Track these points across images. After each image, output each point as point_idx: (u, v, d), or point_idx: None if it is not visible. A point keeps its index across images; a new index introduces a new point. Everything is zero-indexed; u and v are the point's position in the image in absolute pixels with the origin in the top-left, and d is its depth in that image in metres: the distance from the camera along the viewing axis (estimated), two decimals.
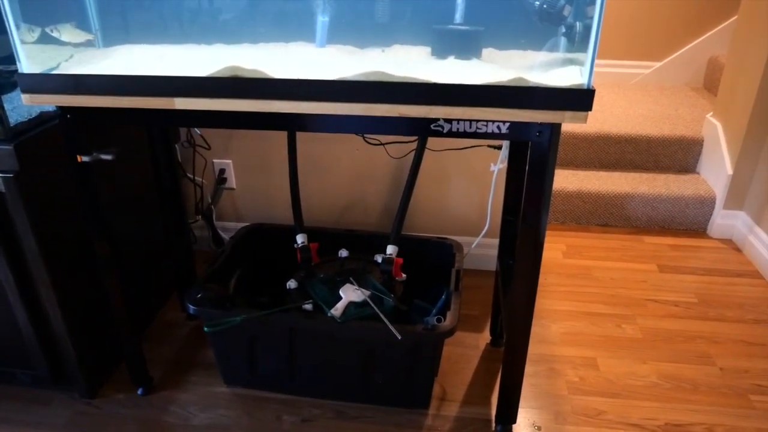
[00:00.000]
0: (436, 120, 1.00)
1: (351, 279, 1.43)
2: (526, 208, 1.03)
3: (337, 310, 1.30)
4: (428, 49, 1.12)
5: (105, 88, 1.02)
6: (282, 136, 1.83)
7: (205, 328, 1.30)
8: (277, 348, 1.38)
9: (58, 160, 1.24)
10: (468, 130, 1.00)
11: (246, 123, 1.07)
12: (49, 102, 1.06)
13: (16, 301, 1.29)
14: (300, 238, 1.51)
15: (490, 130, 0.99)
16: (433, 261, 1.60)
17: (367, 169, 1.85)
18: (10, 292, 1.27)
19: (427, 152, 1.77)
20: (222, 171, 1.91)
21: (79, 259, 1.36)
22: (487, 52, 1.12)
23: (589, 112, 0.91)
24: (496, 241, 1.86)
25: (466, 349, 1.60)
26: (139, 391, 1.47)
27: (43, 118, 1.24)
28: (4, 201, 1.17)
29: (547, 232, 2.20)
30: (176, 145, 1.77)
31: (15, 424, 1.38)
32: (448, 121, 0.98)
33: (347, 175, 1.87)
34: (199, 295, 1.33)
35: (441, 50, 1.10)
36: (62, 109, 1.10)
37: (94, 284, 1.41)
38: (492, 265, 1.92)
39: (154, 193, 1.64)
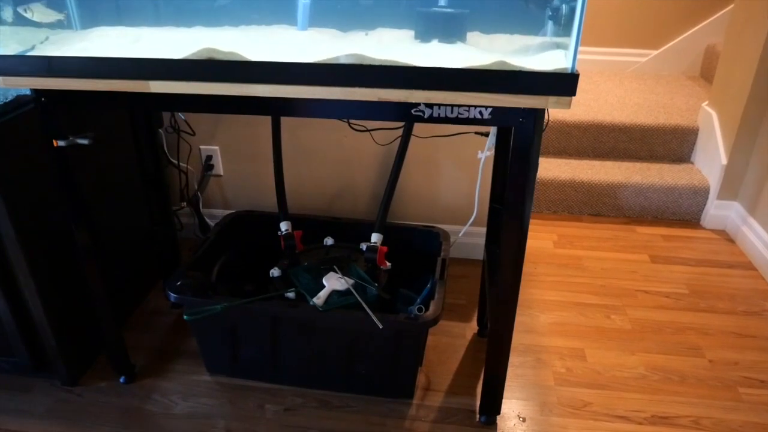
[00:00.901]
0: (416, 105, 0.97)
1: (335, 267, 1.41)
2: (510, 195, 1.01)
3: (320, 298, 1.28)
4: (412, 33, 1.10)
5: (79, 71, 0.99)
6: (269, 121, 1.80)
7: (185, 317, 1.28)
8: (260, 337, 1.36)
9: (36, 144, 1.22)
10: (450, 115, 0.98)
11: (226, 107, 1.04)
12: (22, 85, 1.03)
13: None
14: (284, 226, 1.48)
15: (472, 116, 0.97)
16: (419, 249, 1.58)
17: (355, 156, 1.82)
18: None
19: (415, 139, 1.74)
20: (209, 157, 1.88)
21: (60, 246, 1.33)
22: (473, 35, 1.10)
23: (574, 97, 0.89)
24: (483, 230, 1.84)
25: (453, 338, 1.58)
26: (121, 380, 1.45)
27: (20, 102, 1.21)
28: None
29: (539, 222, 2.18)
30: (161, 131, 1.74)
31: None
32: (429, 105, 0.96)
33: (335, 163, 1.84)
34: (179, 283, 1.31)
35: (425, 33, 1.07)
36: (37, 92, 1.07)
37: (75, 272, 1.39)
38: (480, 254, 1.90)
39: (138, 180, 1.62)
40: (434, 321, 1.22)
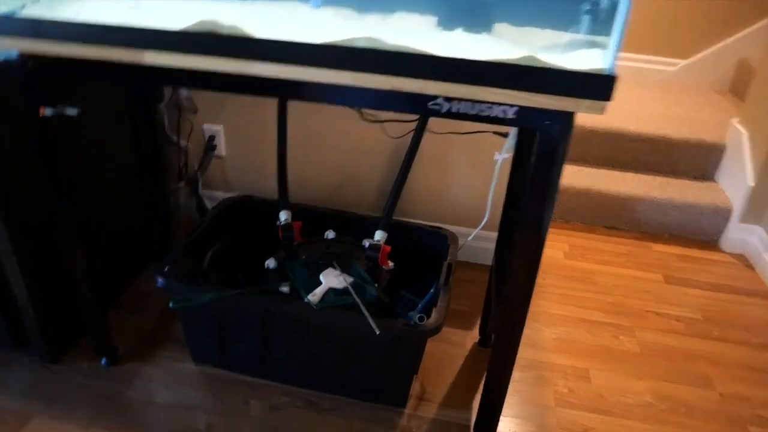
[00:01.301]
0: (434, 97, 0.89)
1: (334, 263, 1.33)
2: (529, 204, 0.93)
3: (315, 296, 1.21)
4: (435, 19, 1.01)
5: (67, 36, 0.92)
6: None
7: (171, 304, 1.20)
8: (250, 330, 1.29)
9: (23, 113, 1.14)
10: (469, 111, 0.90)
11: (227, 85, 0.97)
12: (6, 46, 0.96)
13: None
14: (283, 215, 1.40)
15: (494, 114, 0.88)
16: (425, 250, 1.50)
17: (364, 147, 1.74)
18: None
19: (428, 135, 1.66)
20: (212, 137, 1.80)
21: (45, 220, 1.26)
22: (501, 27, 1.01)
23: (608, 104, 0.80)
24: (494, 235, 1.75)
25: (452, 346, 1.51)
26: (103, 362, 1.39)
27: (6, 66, 1.13)
28: None
29: (550, 230, 2.09)
30: (161, 106, 1.66)
31: None
32: (448, 99, 0.87)
33: (343, 152, 1.76)
34: (167, 269, 1.24)
35: (449, 21, 0.99)
36: (22, 57, 1.00)
37: (61, 247, 1.32)
38: (488, 259, 1.82)
39: (133, 156, 1.54)
40: (435, 330, 1.14)
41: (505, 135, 1.42)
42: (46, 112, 1.02)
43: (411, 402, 1.34)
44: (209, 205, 1.91)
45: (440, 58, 0.82)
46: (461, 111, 0.90)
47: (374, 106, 0.96)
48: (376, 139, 1.72)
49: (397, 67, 0.84)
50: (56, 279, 1.34)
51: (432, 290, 1.25)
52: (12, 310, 1.29)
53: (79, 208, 1.17)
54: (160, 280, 1.22)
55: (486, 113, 0.90)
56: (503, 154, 1.39)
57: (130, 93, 1.39)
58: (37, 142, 1.07)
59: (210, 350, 1.36)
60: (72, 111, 1.04)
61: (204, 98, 1.75)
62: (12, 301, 1.27)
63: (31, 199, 1.22)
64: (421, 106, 0.91)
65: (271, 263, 1.36)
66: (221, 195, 1.89)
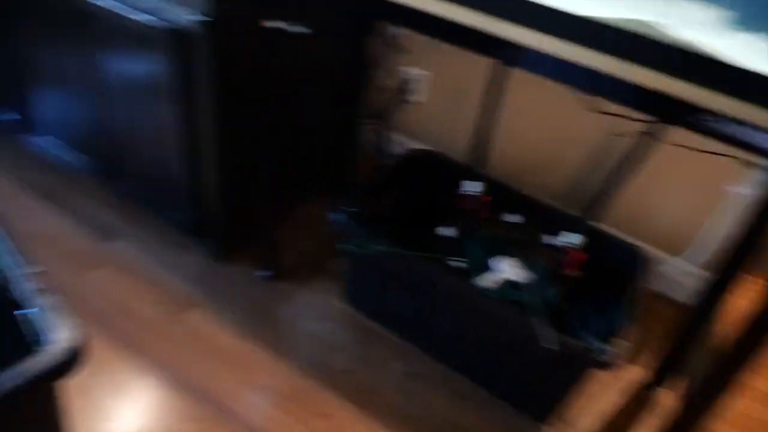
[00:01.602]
0: (699, 110, 0.74)
1: (516, 253, 1.23)
2: None
3: (488, 281, 1.13)
4: (728, 14, 0.83)
5: None
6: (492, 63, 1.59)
7: (346, 246, 1.20)
8: (414, 294, 1.25)
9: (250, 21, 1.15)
10: (740, 137, 0.74)
11: (460, 38, 0.89)
12: None
13: (181, 149, 1.27)
14: (476, 186, 1.32)
15: None
16: (610, 264, 1.33)
17: (574, 135, 1.56)
18: (176, 138, 1.25)
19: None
20: (407, 81, 1.73)
21: (248, 124, 1.29)
22: None
23: None
24: (695, 269, 1.53)
25: (611, 376, 1.35)
26: (264, 273, 1.44)
27: None
28: (194, 45, 1.10)
29: (758, 280, 1.78)
30: (374, 41, 1.61)
31: (155, 258, 1.45)
32: (726, 118, 0.72)
33: (549, 134, 1.61)
34: (352, 210, 1.22)
35: (750, 20, 0.80)
36: None
37: (255, 154, 1.36)
38: (679, 293, 1.58)
39: (340, 85, 1.53)
40: (612, 365, 1.02)
41: (753, 165, 1.19)
42: (270, 24, 1.02)
43: (552, 420, 1.23)
44: (394, 150, 1.87)
45: (734, 68, 0.66)
46: (728, 133, 0.74)
47: (615, 99, 0.83)
48: (589, 129, 1.54)
49: (671, 65, 0.70)
50: (244, 184, 1.38)
51: (617, 316, 1.11)
52: (201, 199, 1.35)
53: (280, 118, 1.18)
54: (339, 218, 1.22)
55: (761, 144, 0.73)
56: (743, 188, 1.18)
57: (354, 23, 1.36)
58: (258, 51, 1.08)
59: (367, 299, 1.36)
60: (299, 28, 1.02)
61: (416, 40, 1.68)
62: (203, 191, 1.34)
63: (243, 100, 1.24)
64: (677, 115, 0.77)
65: (446, 231, 1.30)
66: (407, 141, 1.85)
